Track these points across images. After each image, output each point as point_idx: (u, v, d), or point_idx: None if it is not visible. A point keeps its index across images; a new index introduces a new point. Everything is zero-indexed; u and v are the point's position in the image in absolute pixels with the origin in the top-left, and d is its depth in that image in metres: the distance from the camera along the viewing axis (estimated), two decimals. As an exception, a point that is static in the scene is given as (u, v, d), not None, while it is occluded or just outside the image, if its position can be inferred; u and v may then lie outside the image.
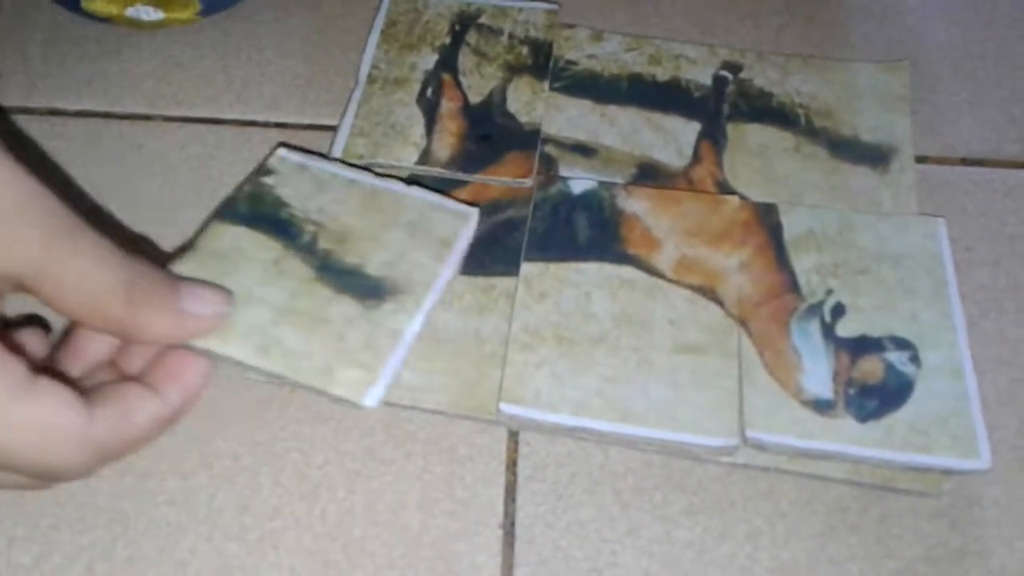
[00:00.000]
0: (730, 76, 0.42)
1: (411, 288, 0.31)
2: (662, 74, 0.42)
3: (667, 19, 0.45)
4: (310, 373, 0.28)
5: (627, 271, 0.34)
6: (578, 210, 0.36)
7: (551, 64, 0.42)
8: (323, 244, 0.32)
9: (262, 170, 0.34)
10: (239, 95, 0.41)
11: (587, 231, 0.35)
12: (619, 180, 0.38)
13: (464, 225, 0.33)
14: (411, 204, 0.33)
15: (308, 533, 0.30)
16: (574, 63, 0.42)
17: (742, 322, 0.33)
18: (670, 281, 0.34)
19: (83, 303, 0.25)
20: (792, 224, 0.36)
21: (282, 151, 0.35)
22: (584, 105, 0.41)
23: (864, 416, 0.31)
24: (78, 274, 0.25)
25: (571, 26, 0.43)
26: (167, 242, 0.37)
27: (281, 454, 0.32)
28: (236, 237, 0.32)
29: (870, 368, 0.32)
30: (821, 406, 0.31)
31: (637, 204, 0.36)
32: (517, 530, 0.31)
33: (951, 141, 0.41)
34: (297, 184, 0.34)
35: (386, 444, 0.32)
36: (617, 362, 0.32)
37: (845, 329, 0.33)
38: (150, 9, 0.40)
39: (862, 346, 0.32)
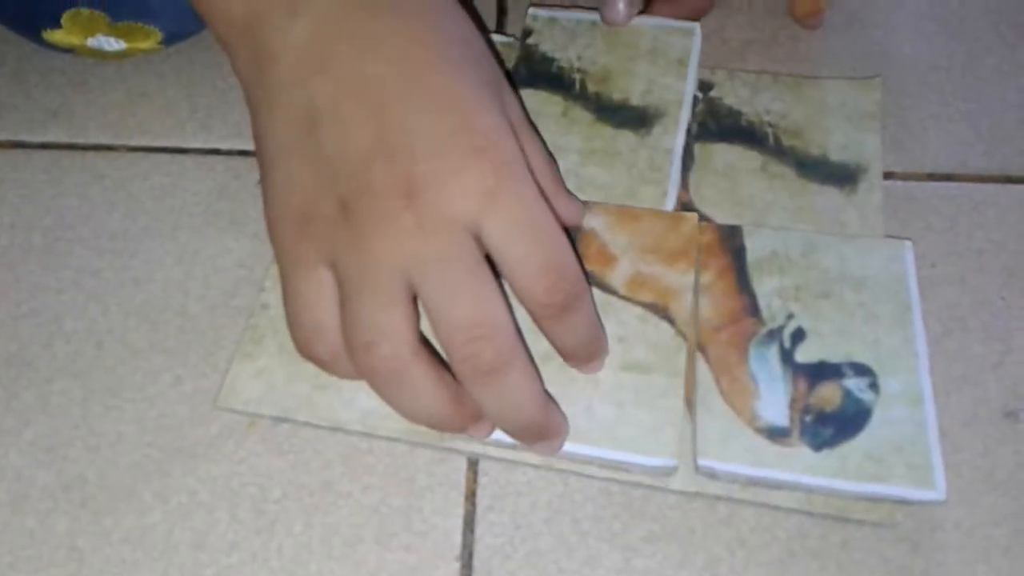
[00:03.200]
0: (700, 95, 0.42)
1: (668, 110, 0.39)
2: None
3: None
4: (619, 197, 0.36)
5: None
6: None
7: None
8: (592, 88, 0.39)
9: (524, 32, 0.41)
10: (203, 123, 0.41)
11: None
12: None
13: (691, 41, 0.40)
14: (645, 32, 0.41)
15: (264, 569, 0.30)
16: None
17: (700, 347, 0.33)
18: (622, 298, 0.34)
19: (537, 169, 0.31)
20: (756, 246, 0.36)
21: (532, 9, 0.42)
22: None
23: (819, 444, 0.30)
24: (538, 142, 0.33)
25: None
26: (128, 274, 0.37)
27: (238, 488, 0.32)
28: (527, 99, 0.39)
29: (827, 395, 0.31)
30: (775, 434, 0.31)
31: (596, 220, 0.36)
32: (475, 562, 0.31)
33: (918, 156, 0.41)
34: (553, 37, 0.41)
35: (344, 477, 0.32)
36: (564, 379, 0.32)
37: (804, 355, 0.33)
38: (111, 39, 0.40)
39: (820, 372, 0.32)
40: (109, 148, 0.41)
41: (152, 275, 0.37)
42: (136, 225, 0.38)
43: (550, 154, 0.35)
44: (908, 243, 0.35)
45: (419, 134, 0.27)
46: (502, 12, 0.46)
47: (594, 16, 0.42)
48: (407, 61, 0.28)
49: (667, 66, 0.40)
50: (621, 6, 0.41)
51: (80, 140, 0.41)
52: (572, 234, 0.35)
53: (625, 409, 0.31)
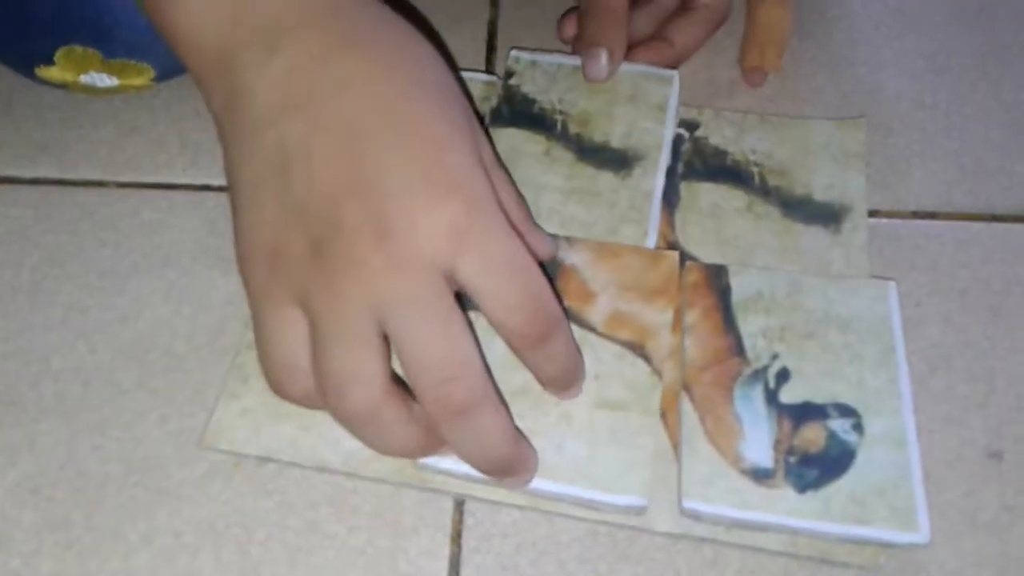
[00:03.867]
0: (686, 134, 0.42)
1: (648, 153, 0.39)
2: None
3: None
4: (600, 235, 0.37)
5: None
6: None
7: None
8: (573, 129, 0.40)
9: (507, 73, 0.42)
10: (192, 159, 0.42)
11: None
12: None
13: (670, 88, 0.41)
14: (625, 79, 0.42)
15: (248, 612, 0.30)
16: None
17: (686, 387, 0.33)
18: (600, 335, 0.34)
19: (508, 208, 0.31)
20: (741, 286, 0.36)
21: (514, 52, 0.43)
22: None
23: (803, 486, 0.30)
24: (508, 182, 0.33)
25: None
26: (115, 312, 0.37)
27: (223, 530, 0.32)
28: (509, 137, 0.40)
29: (812, 436, 0.32)
30: (760, 475, 0.31)
31: (577, 256, 0.36)
32: (460, 604, 0.31)
33: (902, 195, 0.41)
34: (535, 80, 0.42)
35: (330, 517, 0.32)
36: (538, 415, 0.32)
37: (789, 395, 0.33)
38: (104, 76, 0.40)
39: (805, 413, 0.32)
40: (99, 184, 0.41)
41: (140, 313, 0.37)
42: (124, 262, 0.38)
43: (520, 194, 0.35)
44: (892, 284, 0.36)
45: (390, 173, 0.27)
46: (491, 50, 0.47)
47: (575, 61, 0.42)
48: (380, 100, 0.28)
49: (647, 111, 0.41)
50: (603, 61, 0.41)
51: (70, 176, 0.41)
52: (551, 269, 0.36)
53: (598, 447, 0.31)
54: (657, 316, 0.34)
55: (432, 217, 0.27)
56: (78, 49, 0.38)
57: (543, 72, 0.42)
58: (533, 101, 0.41)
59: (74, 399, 0.35)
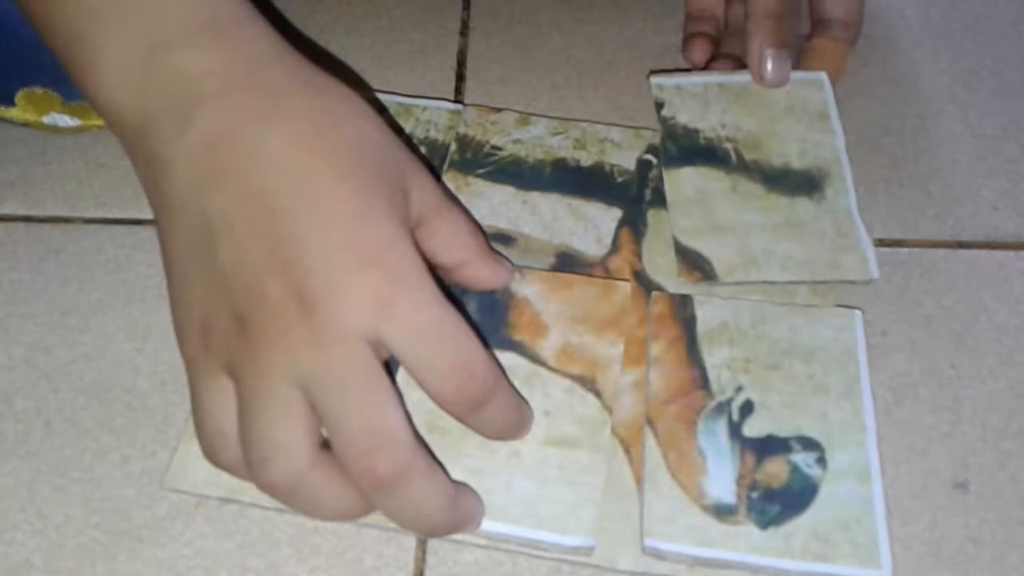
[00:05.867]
0: (654, 160, 0.42)
1: (830, 168, 0.39)
2: (586, 159, 0.42)
3: (590, 102, 0.46)
4: (822, 271, 0.36)
5: (509, 358, 0.34)
6: (469, 294, 0.36)
7: (473, 151, 0.42)
8: (748, 156, 0.39)
9: (656, 104, 0.41)
10: (159, 195, 0.42)
11: (475, 315, 0.35)
12: (537, 267, 0.38)
13: (824, 92, 0.41)
14: (777, 89, 0.41)
15: (207, 656, 0.30)
16: (499, 148, 0.42)
17: (649, 421, 0.33)
18: (551, 369, 0.34)
19: (460, 243, 0.33)
20: (706, 317, 0.36)
21: (655, 79, 0.42)
22: (507, 191, 0.41)
23: (765, 522, 0.30)
24: (458, 217, 0.32)
25: (498, 110, 0.44)
26: (79, 350, 0.37)
27: (184, 571, 0.32)
28: (689, 178, 0.39)
29: (775, 470, 0.31)
30: (722, 511, 0.31)
31: (529, 288, 0.36)
32: (421, 645, 0.30)
33: (867, 221, 0.41)
34: (686, 107, 0.41)
35: (291, 558, 0.32)
36: (486, 453, 0.32)
37: (752, 428, 0.33)
38: (66, 117, 0.40)
39: (768, 447, 0.32)
40: (66, 220, 0.41)
41: (103, 351, 0.37)
42: (89, 299, 0.38)
43: (475, 221, 0.35)
44: (858, 313, 0.36)
45: (309, 248, 0.27)
46: (460, 79, 0.47)
47: (720, 78, 0.42)
48: (297, 173, 0.28)
49: (811, 121, 0.41)
50: (781, 55, 0.41)
51: (36, 212, 0.41)
52: (502, 301, 0.36)
53: (547, 485, 0.31)
54: (608, 349, 0.34)
55: (352, 292, 0.27)
56: (38, 91, 0.38)
57: (691, 96, 0.42)
58: (696, 132, 0.41)
59: (36, 440, 0.34)
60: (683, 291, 0.37)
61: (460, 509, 0.30)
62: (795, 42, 0.44)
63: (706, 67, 0.45)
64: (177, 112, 0.28)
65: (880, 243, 0.40)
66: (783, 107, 0.41)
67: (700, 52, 0.45)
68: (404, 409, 0.28)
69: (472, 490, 0.31)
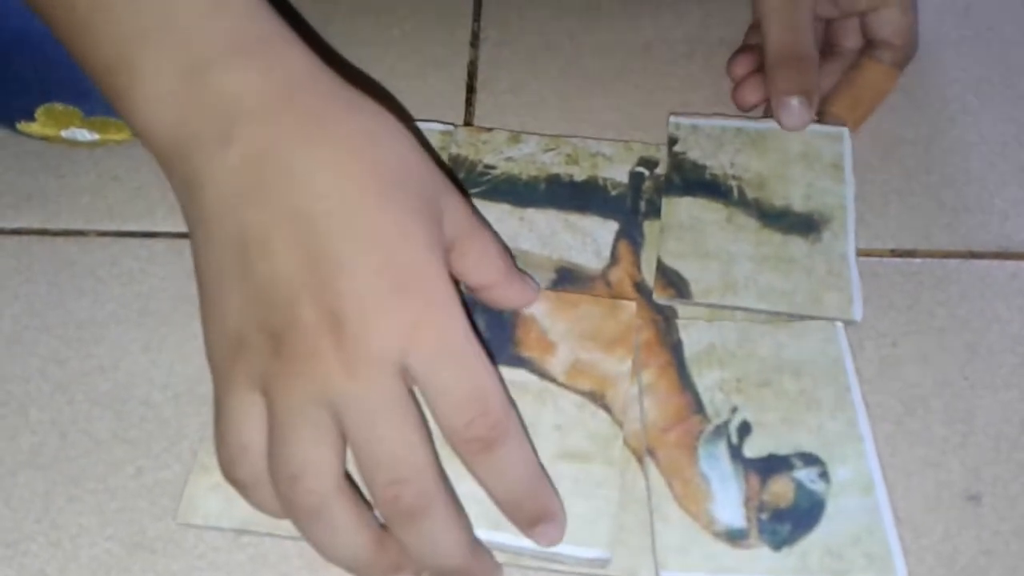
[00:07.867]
0: (646, 172, 0.42)
1: (833, 214, 0.39)
2: (579, 173, 0.42)
3: (601, 112, 0.46)
4: (803, 304, 0.36)
5: (520, 374, 0.34)
6: (477, 311, 0.36)
7: (467, 171, 0.42)
8: (751, 194, 0.40)
9: (670, 140, 0.42)
10: (173, 208, 0.42)
11: (484, 332, 0.35)
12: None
13: (842, 145, 0.41)
14: (794, 137, 0.41)
15: (220, 668, 0.30)
16: (492, 167, 0.42)
17: (650, 451, 0.33)
18: (561, 385, 0.34)
19: (489, 264, 0.33)
20: (692, 340, 0.36)
21: (674, 118, 0.43)
22: (503, 209, 0.41)
23: (778, 543, 0.30)
24: (488, 239, 0.33)
25: (489, 129, 0.44)
26: (93, 362, 0.37)
27: (197, 584, 0.32)
28: (687, 207, 0.39)
29: (780, 490, 0.31)
30: (734, 536, 0.30)
31: (535, 306, 0.36)
32: (432, 658, 0.30)
33: (880, 231, 0.41)
34: (700, 144, 0.42)
35: (302, 570, 0.32)
36: None
37: (752, 449, 0.33)
38: (85, 131, 0.41)
39: (771, 466, 0.32)
40: (80, 233, 0.41)
41: (117, 363, 0.37)
42: (103, 311, 0.39)
43: (503, 244, 0.35)
44: (840, 324, 0.36)
45: (344, 272, 0.27)
46: (471, 91, 0.47)
47: (737, 123, 0.42)
48: (336, 195, 0.28)
49: (822, 170, 0.40)
50: (800, 109, 0.41)
51: (51, 225, 0.42)
52: (509, 319, 0.36)
53: (562, 499, 0.31)
54: (617, 365, 0.34)
55: (385, 318, 0.27)
56: (59, 106, 0.39)
57: (707, 136, 0.42)
58: (703, 167, 0.41)
59: (51, 452, 0.35)
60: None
61: (476, 556, 0.29)
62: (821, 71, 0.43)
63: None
64: (216, 130, 0.29)
65: (892, 253, 0.40)
66: (796, 153, 0.41)
67: (741, 67, 0.45)
68: (432, 442, 0.28)
69: (490, 553, 0.31)
